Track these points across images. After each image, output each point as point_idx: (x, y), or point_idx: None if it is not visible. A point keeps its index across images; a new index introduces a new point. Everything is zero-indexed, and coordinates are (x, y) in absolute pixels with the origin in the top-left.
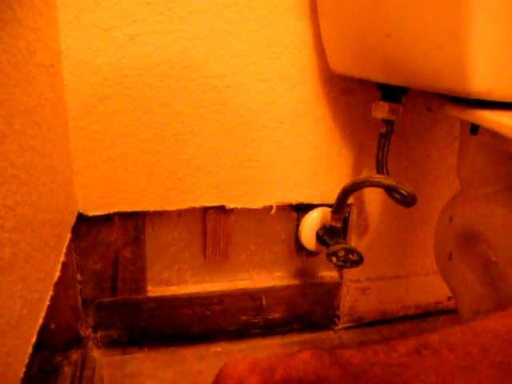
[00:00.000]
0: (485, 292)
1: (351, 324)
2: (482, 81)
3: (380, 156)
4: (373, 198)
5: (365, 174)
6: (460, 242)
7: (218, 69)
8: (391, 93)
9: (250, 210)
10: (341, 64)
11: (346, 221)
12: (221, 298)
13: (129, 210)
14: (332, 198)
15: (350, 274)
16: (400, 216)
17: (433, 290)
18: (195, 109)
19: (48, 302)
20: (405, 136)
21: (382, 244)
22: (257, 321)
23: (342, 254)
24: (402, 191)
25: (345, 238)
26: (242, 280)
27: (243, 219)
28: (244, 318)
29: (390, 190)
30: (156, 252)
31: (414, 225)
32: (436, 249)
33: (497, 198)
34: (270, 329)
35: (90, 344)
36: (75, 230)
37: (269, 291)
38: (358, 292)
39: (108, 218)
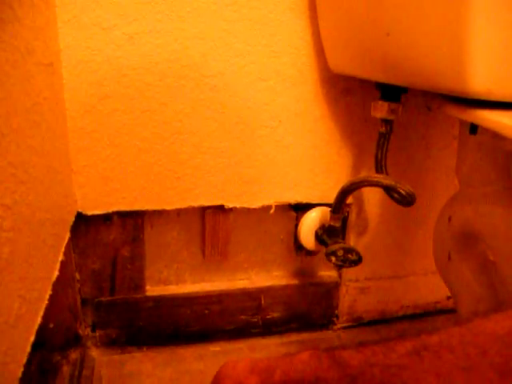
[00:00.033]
0: (483, 292)
1: (350, 324)
2: (481, 81)
3: (379, 156)
4: (372, 198)
5: (364, 174)
6: (459, 241)
7: (217, 68)
8: (390, 92)
9: (248, 209)
10: (340, 63)
11: (344, 220)
12: (220, 297)
13: (128, 209)
14: (331, 198)
15: (349, 273)
16: (399, 216)
17: (432, 289)
18: (194, 108)
19: (47, 302)
20: (404, 136)
21: (380, 244)
22: (256, 320)
23: (340, 253)
24: (400, 191)
25: (344, 238)
26: (240, 279)
27: (242, 219)
28: (243, 317)
29: (389, 190)
30: (155, 251)
31: (412, 224)
32: (435, 248)
33: (496, 197)
34: (268, 328)
35: (89, 343)
36: (74, 229)
37: (268, 291)
38: (356, 291)
39: (107, 218)
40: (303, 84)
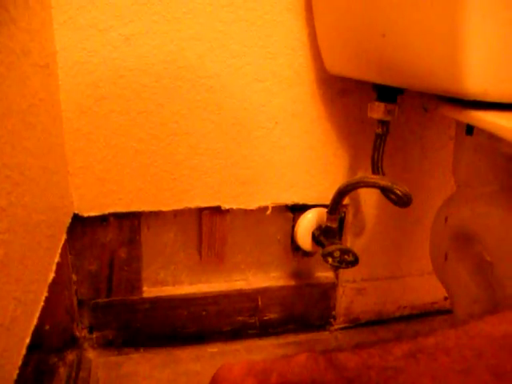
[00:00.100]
0: (480, 292)
1: (347, 324)
2: (477, 81)
3: (375, 157)
4: (368, 199)
5: (360, 175)
6: (455, 242)
7: (214, 69)
8: (387, 93)
9: (245, 210)
10: (336, 65)
11: (341, 221)
12: (216, 298)
13: (124, 210)
14: (328, 199)
15: (346, 274)
16: (395, 216)
17: (428, 290)
18: (190, 109)
19: (42, 303)
20: (400, 136)
21: (377, 244)
22: (253, 321)
23: (337, 254)
24: (397, 192)
25: (340, 239)
26: (237, 280)
27: (239, 220)
28: (240, 318)
29: (385, 191)
30: (151, 252)
31: (409, 225)
32: (431, 249)
33: (492, 198)
34: (265, 329)
35: (86, 345)
36: (70, 230)
37: (265, 292)
38: (353, 292)
39: (103, 219)
40: (300, 85)
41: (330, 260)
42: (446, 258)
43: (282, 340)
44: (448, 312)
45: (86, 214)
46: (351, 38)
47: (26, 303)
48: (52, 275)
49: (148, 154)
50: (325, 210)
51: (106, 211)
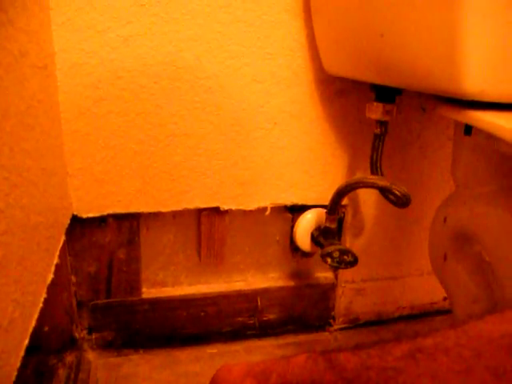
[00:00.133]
0: (479, 292)
1: (346, 325)
2: (475, 81)
3: (374, 157)
4: (367, 199)
5: (359, 175)
6: (454, 242)
7: (212, 70)
8: (385, 93)
9: (244, 211)
10: (335, 65)
11: (340, 222)
12: (216, 299)
13: (123, 211)
14: (327, 199)
15: (345, 274)
16: (395, 217)
17: (428, 290)
18: (189, 110)
19: (41, 305)
20: (399, 137)
21: (376, 245)
22: (252, 322)
23: (336, 254)
24: (396, 192)
25: (339, 239)
26: (236, 281)
27: (238, 220)
28: (239, 319)
29: (384, 191)
30: (151, 253)
31: (408, 225)
32: (431, 249)
33: (491, 198)
34: (265, 330)
35: (85, 346)
36: (69, 231)
37: (264, 292)
38: (353, 293)
39: (102, 220)
40: (298, 86)
41: (329, 260)
42: (445, 258)
43: (281, 341)
44: (447, 312)
45: (84, 215)
46: (349, 39)
47: (24, 305)
48: (51, 276)
49: (147, 155)
50: (324, 211)
51: (105, 212)
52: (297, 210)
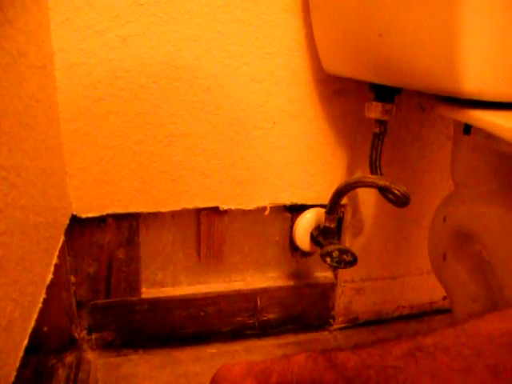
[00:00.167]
0: (479, 291)
1: (346, 324)
2: (473, 81)
3: (373, 156)
4: (367, 199)
5: (358, 175)
6: (454, 241)
7: (211, 70)
8: (384, 93)
9: (243, 210)
10: (334, 64)
11: (340, 221)
12: (215, 299)
13: (122, 211)
14: (326, 199)
15: (345, 274)
16: (394, 216)
17: (427, 289)
18: (188, 110)
19: (40, 305)
20: (398, 136)
21: (376, 244)
22: (252, 322)
23: (335, 254)
24: (395, 191)
25: (339, 239)
26: (236, 281)
27: (237, 220)
28: (239, 319)
29: (383, 191)
30: (150, 253)
31: (408, 225)
32: (430, 249)
33: (490, 197)
34: (264, 330)
35: (85, 346)
36: (69, 231)
37: (263, 292)
38: (352, 292)
39: (102, 220)
40: (297, 85)
41: (328, 260)
42: (444, 258)
43: (281, 340)
44: (447, 311)
45: (84, 215)
46: (348, 38)
47: (23, 305)
48: (50, 277)
49: (146, 154)
50: (323, 210)
51: (105, 212)
52: (296, 209)
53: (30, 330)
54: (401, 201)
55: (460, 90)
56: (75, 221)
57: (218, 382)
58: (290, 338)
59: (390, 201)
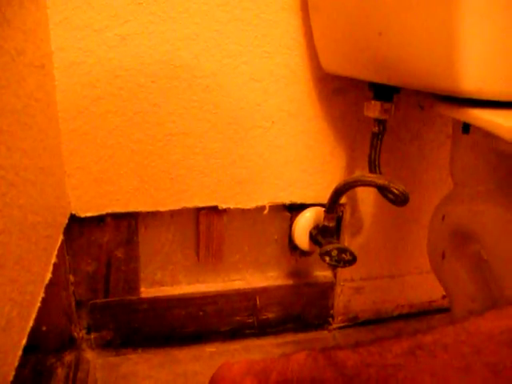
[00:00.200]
0: (477, 290)
1: (345, 324)
2: (472, 80)
3: (372, 155)
4: (366, 198)
5: (357, 174)
6: (453, 240)
7: (210, 69)
8: (383, 92)
9: (243, 210)
10: (333, 63)
11: (339, 220)
12: (214, 298)
13: (121, 210)
14: (325, 198)
15: (344, 273)
16: (393, 215)
17: (427, 288)
18: (187, 109)
19: (39, 304)
20: (397, 135)
21: (375, 243)
22: (251, 321)
23: (334, 253)
24: (394, 190)
25: (338, 238)
26: (235, 280)
27: (236, 219)
28: (238, 318)
29: (382, 190)
30: (149, 253)
31: (407, 224)
32: (429, 248)
33: (489, 196)
34: (264, 329)
35: (84, 345)
36: (68, 231)
37: (263, 291)
38: (351, 291)
39: (101, 219)
40: (296, 84)
41: (327, 259)
42: (443, 257)
43: (280, 339)
44: (446, 310)
45: (83, 215)
46: (347, 37)
47: (22, 304)
48: (49, 276)
49: (145, 154)
50: (322, 209)
51: (103, 211)
52: (295, 208)
53: (28, 329)
54: (400, 200)
55: (459, 89)
56: (74, 220)
57: (219, 381)
58: (290, 337)
59: (389, 200)
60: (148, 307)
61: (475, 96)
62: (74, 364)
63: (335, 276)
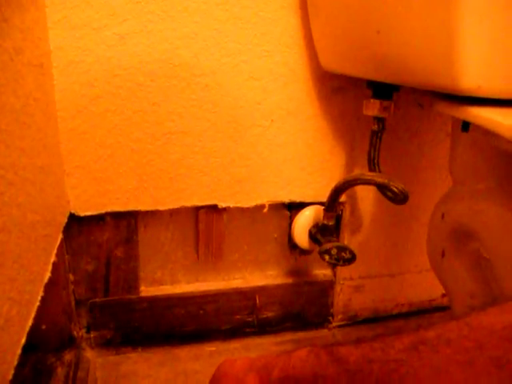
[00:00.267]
0: (477, 288)
1: (345, 322)
2: (471, 78)
3: (372, 154)
4: (365, 196)
5: (357, 172)
6: (452, 239)
7: (209, 67)
8: (382, 90)
9: (242, 208)
10: (332, 62)
11: (338, 219)
12: (214, 297)
13: (121, 209)
14: (324, 196)
15: (344, 272)
16: (393, 213)
17: (426, 287)
18: (186, 108)
19: (38, 303)
20: (397, 133)
21: (375, 242)
22: (250, 320)
23: (334, 252)
24: (393, 189)
25: (337, 236)
26: (235, 279)
27: (236, 218)
28: (238, 317)
29: (382, 188)
30: (149, 252)
31: (406, 222)
32: (429, 246)
33: (489, 194)
34: (263, 328)
35: (84, 344)
36: (67, 230)
37: (262, 290)
38: (351, 290)
39: (100, 218)
40: (295, 83)
41: (327, 257)
42: (443, 255)
43: (280, 338)
44: (446, 309)
45: (82, 214)
46: (346, 35)
47: (21, 303)
48: (48, 275)
49: (144, 153)
50: (322, 208)
51: (103, 210)
52: (295, 207)
53: (27, 328)
54: (399, 198)
55: (458, 87)
56: (73, 219)
57: (221, 377)
58: (289, 336)
59: (389, 198)
60: (148, 306)
61: (474, 94)
62: (74, 363)
63: (335, 274)
